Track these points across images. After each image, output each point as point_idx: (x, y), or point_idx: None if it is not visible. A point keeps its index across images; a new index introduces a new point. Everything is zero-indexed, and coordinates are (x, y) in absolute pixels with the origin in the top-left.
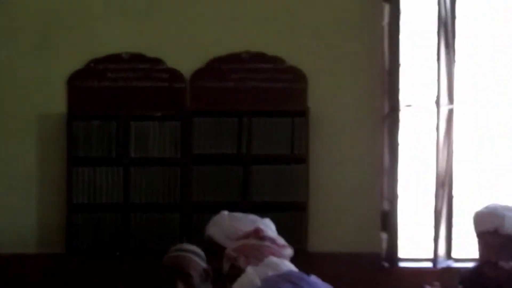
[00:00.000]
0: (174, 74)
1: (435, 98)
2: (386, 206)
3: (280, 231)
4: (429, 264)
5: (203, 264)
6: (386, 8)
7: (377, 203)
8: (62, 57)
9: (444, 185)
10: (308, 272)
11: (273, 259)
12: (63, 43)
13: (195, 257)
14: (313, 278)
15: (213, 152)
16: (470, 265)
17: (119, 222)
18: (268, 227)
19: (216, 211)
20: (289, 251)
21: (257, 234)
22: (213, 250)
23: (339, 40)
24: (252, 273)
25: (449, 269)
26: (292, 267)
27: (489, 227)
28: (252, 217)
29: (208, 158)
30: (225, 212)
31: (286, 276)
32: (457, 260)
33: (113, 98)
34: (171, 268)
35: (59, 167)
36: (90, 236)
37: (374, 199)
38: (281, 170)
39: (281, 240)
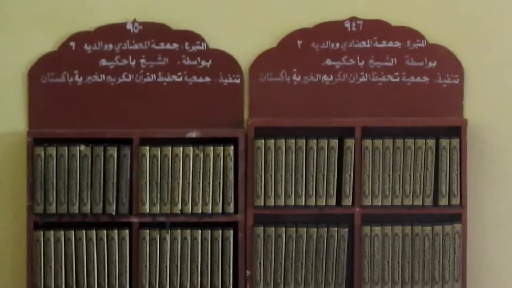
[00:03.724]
0: (222, 61)
1: None
2: None
3: None
4: None
5: None
6: None
7: None
8: (18, 31)
9: None
10: None
11: None
12: (19, 6)
13: None
14: None
15: (292, 204)
16: None
17: None
18: None
19: None
20: None
21: None
22: None
23: None
24: None
25: None
26: None
27: None
28: None
29: (284, 214)
30: None
31: None
32: None
33: (110, 105)
34: None
35: (14, 233)
36: None
37: None
38: (416, 236)
39: None
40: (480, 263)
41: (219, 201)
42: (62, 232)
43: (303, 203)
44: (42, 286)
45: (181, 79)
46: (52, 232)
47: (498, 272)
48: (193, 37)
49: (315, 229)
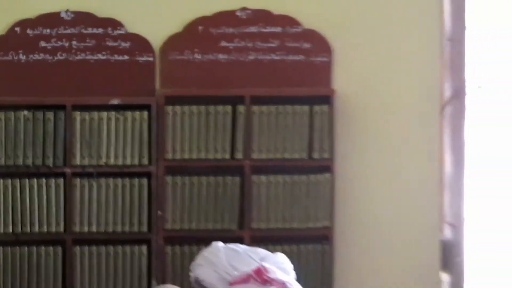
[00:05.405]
0: (138, 43)
1: None
2: (448, 233)
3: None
4: None
5: None
6: None
7: (435, 230)
8: None
9: None
10: None
11: None
12: None
13: None
14: None
15: (195, 157)
16: None
17: (57, 260)
18: (278, 265)
19: (203, 242)
20: None
21: (260, 276)
22: None
23: None
24: None
25: None
26: None
27: None
28: (260, 252)
29: (188, 166)
30: (219, 244)
31: None
32: None
33: (48, 79)
34: None
35: None
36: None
37: (430, 223)
38: (294, 183)
39: (294, 284)
40: (346, 205)
41: (136, 155)
42: (10, 180)
43: (204, 157)
44: None
45: (105, 57)
46: (1, 180)
47: (362, 211)
48: (114, 23)
49: (213, 178)
